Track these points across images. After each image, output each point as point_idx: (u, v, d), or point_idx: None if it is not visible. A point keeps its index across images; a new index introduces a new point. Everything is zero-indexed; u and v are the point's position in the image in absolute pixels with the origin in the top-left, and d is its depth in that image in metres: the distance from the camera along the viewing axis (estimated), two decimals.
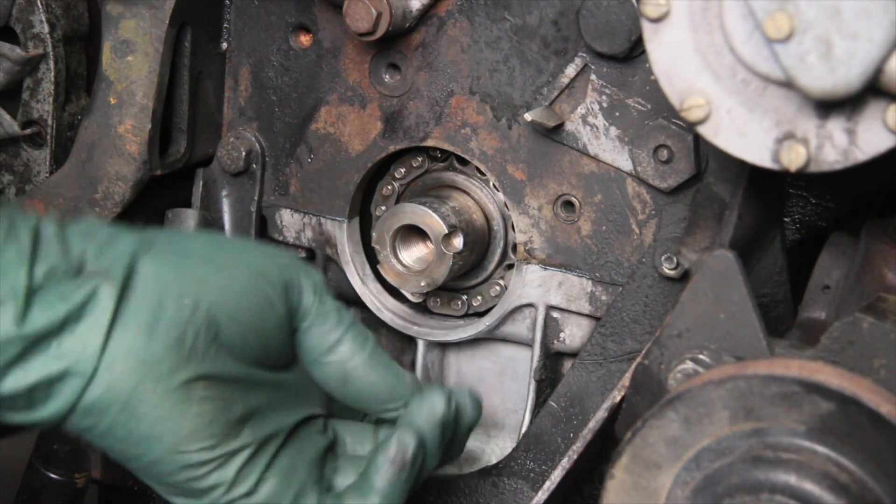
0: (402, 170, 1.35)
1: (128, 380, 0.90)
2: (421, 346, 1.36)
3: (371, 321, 1.40)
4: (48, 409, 0.88)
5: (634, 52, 1.15)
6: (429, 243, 1.29)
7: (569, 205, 1.24)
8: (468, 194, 1.32)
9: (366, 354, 1.07)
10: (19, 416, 0.89)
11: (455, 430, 1.09)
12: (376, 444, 1.09)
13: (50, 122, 1.34)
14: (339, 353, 1.06)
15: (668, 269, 1.17)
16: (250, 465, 0.98)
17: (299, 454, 1.04)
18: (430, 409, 1.06)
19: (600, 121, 1.19)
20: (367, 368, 1.07)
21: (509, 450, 1.28)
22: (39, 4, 1.30)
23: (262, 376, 1.02)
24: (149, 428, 0.92)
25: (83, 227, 0.93)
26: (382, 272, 1.31)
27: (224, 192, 1.39)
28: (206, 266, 0.98)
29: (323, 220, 1.37)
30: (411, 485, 1.05)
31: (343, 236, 1.36)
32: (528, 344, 1.29)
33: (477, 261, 1.33)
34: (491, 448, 1.37)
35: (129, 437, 0.92)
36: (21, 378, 0.86)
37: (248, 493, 0.97)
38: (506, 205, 1.28)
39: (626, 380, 1.14)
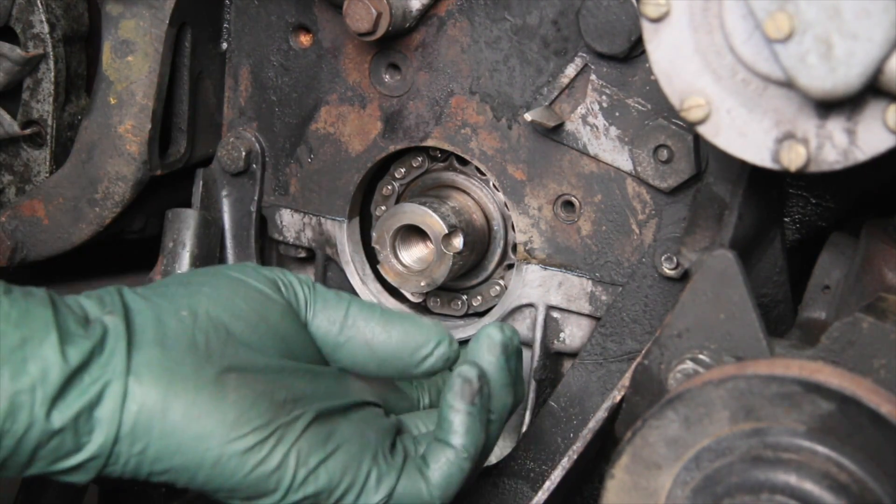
0: (402, 170, 1.35)
1: (157, 388, 0.91)
2: None
3: None
4: (95, 441, 0.89)
5: (634, 52, 1.15)
6: (429, 243, 1.29)
7: (569, 205, 1.24)
8: (468, 194, 1.32)
9: (378, 315, 1.06)
10: (70, 461, 0.90)
11: (517, 362, 1.08)
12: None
13: (50, 122, 1.34)
14: (352, 327, 1.06)
15: (668, 269, 1.17)
16: (313, 432, 0.97)
17: (366, 424, 1.03)
18: (487, 340, 1.04)
19: (600, 121, 1.19)
20: (385, 327, 1.06)
21: (509, 450, 1.28)
22: (39, 4, 1.30)
23: (299, 367, 1.02)
24: (195, 428, 0.92)
25: (72, 296, 0.98)
26: (382, 272, 1.31)
27: (224, 192, 1.39)
28: (187, 286, 1.01)
29: (323, 220, 1.37)
30: (487, 424, 1.03)
31: (343, 236, 1.36)
32: (528, 344, 1.29)
33: (477, 261, 1.33)
34: None
35: (182, 447, 0.92)
36: (65, 410, 0.87)
37: (324, 460, 0.97)
38: (506, 205, 1.28)
39: (626, 380, 1.14)
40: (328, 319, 1.06)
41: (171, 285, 1.01)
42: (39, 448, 0.87)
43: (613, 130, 1.19)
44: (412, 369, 1.07)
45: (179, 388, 0.92)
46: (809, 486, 0.81)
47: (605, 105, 1.19)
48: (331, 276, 1.40)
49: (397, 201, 1.36)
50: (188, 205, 1.37)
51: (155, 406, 0.91)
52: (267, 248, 1.44)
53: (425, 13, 1.24)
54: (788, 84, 0.84)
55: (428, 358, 1.06)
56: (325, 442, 0.98)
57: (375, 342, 1.06)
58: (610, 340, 1.22)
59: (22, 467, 0.89)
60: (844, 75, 0.79)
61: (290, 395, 0.98)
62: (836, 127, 0.84)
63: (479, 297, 1.36)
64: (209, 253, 1.36)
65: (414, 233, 1.29)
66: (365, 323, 1.06)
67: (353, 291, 1.37)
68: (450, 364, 1.08)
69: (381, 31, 1.20)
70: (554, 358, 1.30)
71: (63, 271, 1.42)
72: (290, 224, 1.39)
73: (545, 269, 1.27)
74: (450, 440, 1.01)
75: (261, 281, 1.04)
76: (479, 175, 1.31)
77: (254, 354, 0.98)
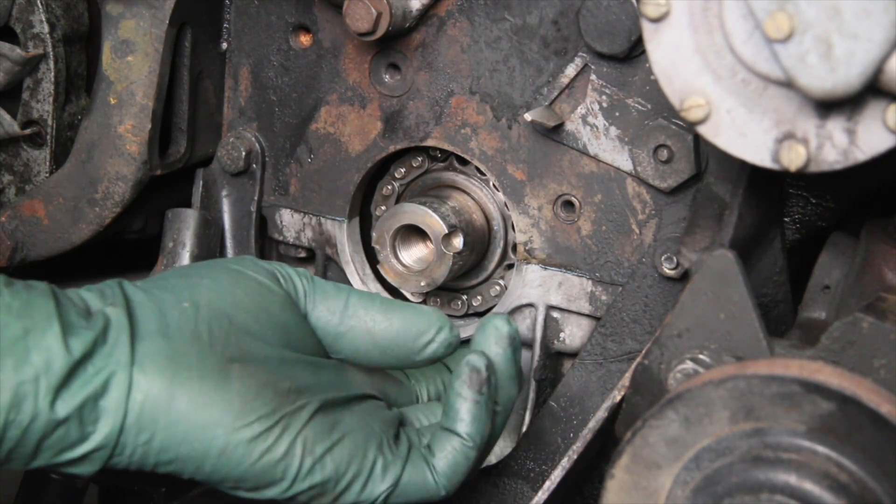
0: (402, 170, 1.35)
1: (162, 377, 0.91)
2: None
3: None
4: (101, 431, 0.89)
5: (634, 52, 1.15)
6: (429, 243, 1.29)
7: (569, 205, 1.24)
8: (468, 194, 1.32)
9: (378, 304, 1.07)
10: (76, 451, 0.90)
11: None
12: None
13: (50, 122, 1.33)
14: (353, 316, 1.06)
15: (668, 269, 1.17)
16: (318, 421, 0.97)
17: (369, 415, 1.03)
18: (494, 331, 1.05)
19: (600, 121, 1.19)
20: (385, 315, 1.06)
21: (509, 450, 1.28)
22: (39, 4, 1.30)
23: (300, 358, 1.02)
24: (201, 417, 0.92)
25: (73, 289, 0.99)
26: (382, 272, 1.31)
27: (224, 192, 1.39)
28: (187, 279, 1.01)
29: (323, 220, 1.37)
30: (493, 415, 1.03)
31: (343, 236, 1.36)
32: (529, 344, 1.29)
33: (477, 261, 1.33)
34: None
35: (188, 436, 0.92)
36: (70, 399, 0.88)
37: (330, 448, 0.97)
38: (506, 205, 1.28)
39: (626, 380, 1.14)
40: (328, 310, 1.06)
41: (171, 278, 1.01)
42: (45, 438, 0.87)
43: (613, 130, 1.19)
44: (414, 356, 1.07)
45: (184, 378, 0.92)
46: (809, 486, 0.81)
47: (605, 105, 1.19)
48: (331, 276, 1.40)
49: (397, 201, 1.36)
50: (188, 205, 1.37)
51: (160, 396, 0.91)
52: (267, 247, 1.44)
53: (425, 13, 1.24)
54: (788, 84, 0.84)
55: (430, 344, 1.07)
56: (330, 431, 0.98)
57: (377, 330, 1.06)
58: (610, 340, 1.22)
59: (28, 458, 0.89)
60: (844, 75, 0.79)
61: (294, 385, 0.98)
62: (836, 127, 0.84)
63: (479, 297, 1.36)
64: (209, 253, 1.36)
65: (414, 233, 1.29)
66: (365, 312, 1.07)
67: None
68: (452, 350, 1.08)
69: (381, 31, 1.20)
70: (554, 358, 1.30)
71: (63, 271, 1.42)
72: (290, 224, 1.39)
73: (545, 269, 1.27)
74: (456, 428, 1.01)
75: (260, 272, 1.04)
76: (479, 175, 1.31)
77: (256, 344, 0.98)
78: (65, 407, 0.87)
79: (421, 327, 1.06)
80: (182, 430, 0.92)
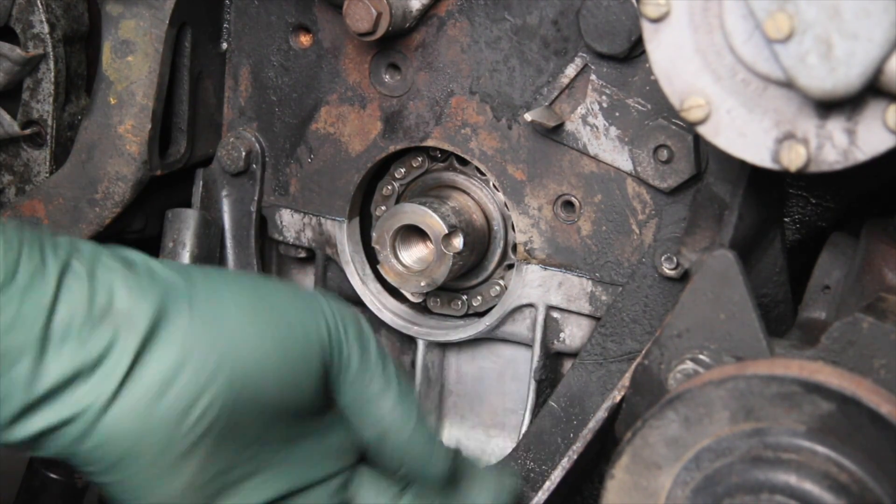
0: (402, 170, 1.35)
1: (127, 437, 0.87)
2: (421, 346, 1.36)
3: (371, 321, 1.40)
4: (49, 451, 0.88)
5: (634, 52, 1.15)
6: (429, 243, 1.29)
7: (569, 205, 1.24)
8: (468, 194, 1.32)
9: (412, 426, 1.02)
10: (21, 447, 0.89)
11: None
12: None
13: (50, 122, 1.33)
14: (383, 419, 1.02)
15: (668, 269, 1.17)
16: None
17: None
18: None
19: (600, 121, 1.19)
20: (409, 438, 1.03)
21: (509, 450, 1.28)
22: (39, 4, 1.30)
23: (280, 434, 0.97)
24: (144, 480, 0.90)
25: (117, 257, 0.90)
26: (382, 272, 1.31)
27: (224, 192, 1.39)
28: (240, 319, 0.93)
29: (323, 220, 1.37)
30: None
31: (343, 236, 1.36)
32: (529, 344, 1.29)
33: (477, 261, 1.33)
34: (491, 448, 1.37)
35: (125, 485, 0.90)
36: (29, 426, 0.85)
37: None
38: (506, 205, 1.28)
39: (626, 380, 1.14)
40: (362, 393, 1.02)
41: (231, 306, 0.93)
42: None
43: (613, 130, 1.19)
44: (397, 472, 1.06)
45: (146, 448, 0.88)
46: (809, 486, 0.82)
47: (605, 105, 1.19)
48: (331, 276, 1.40)
49: (397, 201, 1.36)
50: (188, 205, 1.37)
51: (115, 450, 0.88)
52: (267, 248, 1.44)
53: (425, 13, 1.24)
54: (788, 84, 0.84)
55: (416, 481, 1.07)
56: None
57: (389, 440, 1.03)
58: (610, 340, 1.22)
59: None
60: (844, 75, 0.79)
61: (248, 470, 0.95)
62: (836, 127, 0.84)
63: (479, 297, 1.36)
64: (209, 253, 1.36)
65: (414, 233, 1.29)
66: (397, 425, 1.03)
67: (353, 291, 1.37)
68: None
69: (381, 31, 1.20)
70: (554, 358, 1.30)
71: None
72: (290, 224, 1.39)
73: (545, 269, 1.27)
74: None
75: (312, 339, 0.97)
76: (479, 175, 1.31)
77: (245, 420, 0.93)
78: (22, 432, 0.85)
79: (426, 469, 1.05)
80: (121, 478, 0.90)
